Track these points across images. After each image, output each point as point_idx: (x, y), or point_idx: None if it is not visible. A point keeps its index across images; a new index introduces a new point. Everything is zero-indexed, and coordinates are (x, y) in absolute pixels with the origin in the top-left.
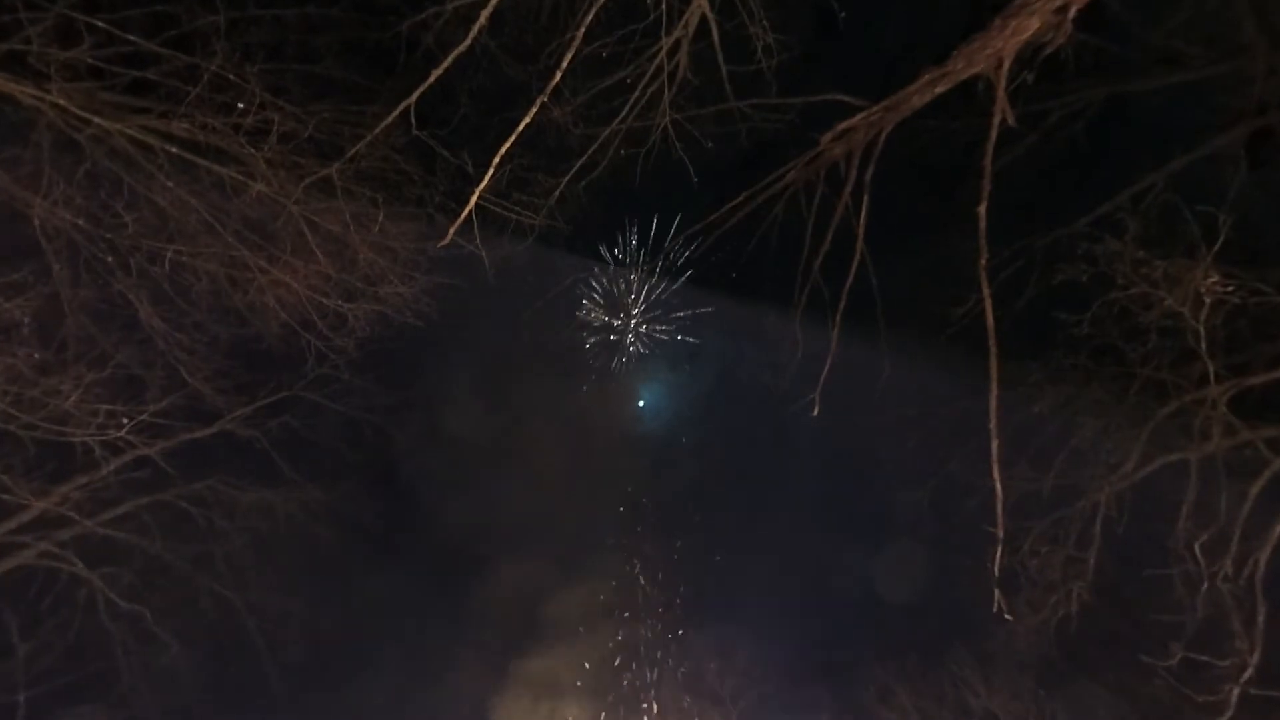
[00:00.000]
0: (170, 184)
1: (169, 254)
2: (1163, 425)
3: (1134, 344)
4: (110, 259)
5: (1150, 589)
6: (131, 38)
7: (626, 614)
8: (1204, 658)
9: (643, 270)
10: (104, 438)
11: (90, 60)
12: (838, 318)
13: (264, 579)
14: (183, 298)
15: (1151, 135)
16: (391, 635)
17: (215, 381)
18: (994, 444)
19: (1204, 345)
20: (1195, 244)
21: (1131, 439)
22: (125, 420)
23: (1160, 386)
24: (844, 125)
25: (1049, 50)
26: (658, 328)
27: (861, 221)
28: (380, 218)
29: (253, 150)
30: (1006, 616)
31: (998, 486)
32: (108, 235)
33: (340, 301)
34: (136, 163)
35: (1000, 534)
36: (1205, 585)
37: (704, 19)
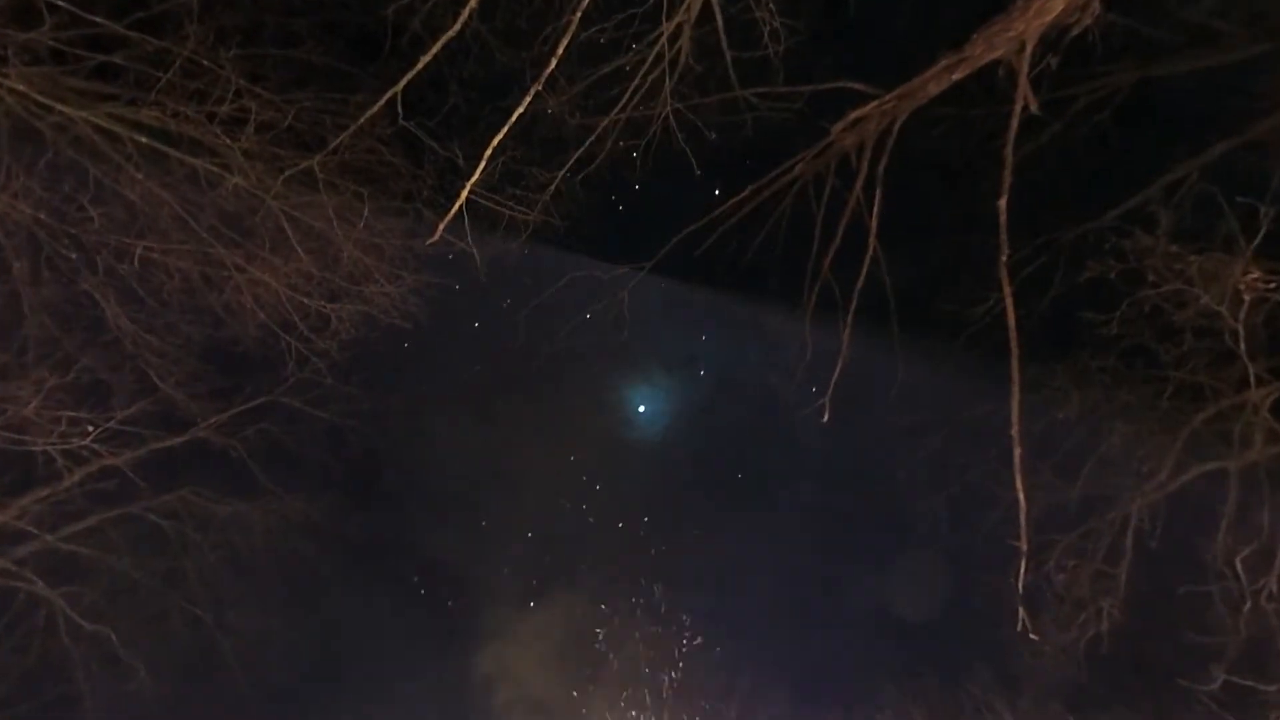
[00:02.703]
0: (139, 176)
1: (138, 250)
2: (1199, 431)
3: (1167, 345)
4: (75, 256)
5: (1187, 607)
6: (97, 19)
7: (624, 632)
8: (1248, 682)
9: (643, 268)
10: (67, 447)
11: (52, 42)
12: (849, 318)
13: (239, 597)
14: (153, 297)
15: (1186, 122)
16: (376, 657)
17: (188, 387)
18: (1016, 452)
19: (1243, 346)
20: (1233, 237)
21: (1165, 446)
22: (90, 428)
23: (1196, 390)
24: (855, 114)
25: (1075, 32)
26: (658, 329)
27: (874, 216)
28: (365, 213)
29: (228, 141)
30: (1031, 636)
31: (1021, 497)
32: (72, 230)
33: (322, 302)
34: (103, 153)
35: (1024, 547)
36: (1248, 604)
37: (707, 2)
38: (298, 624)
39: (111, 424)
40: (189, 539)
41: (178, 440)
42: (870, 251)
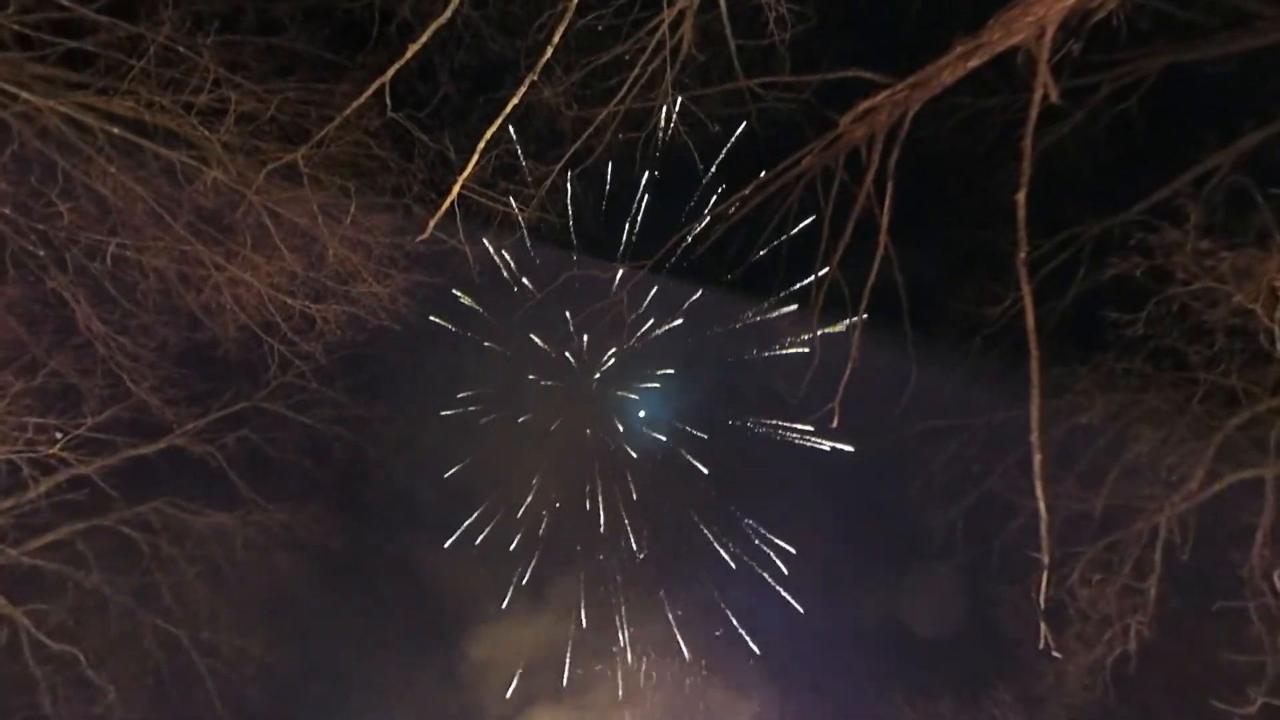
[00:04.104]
0: (112, 169)
1: (111, 248)
2: (1232, 438)
3: (1197, 346)
4: (43, 253)
5: (1222, 625)
6: (65, 2)
7: (626, 652)
8: None
9: (643, 267)
10: (33, 455)
11: (16, 27)
12: (859, 319)
13: (217, 614)
14: (127, 297)
15: (1217, 110)
16: (360, 675)
17: (164, 391)
18: (1037, 459)
19: (1279, 347)
20: (1267, 232)
21: (1196, 453)
22: (59, 435)
23: (1229, 394)
24: (866, 104)
25: (1098, 15)
26: (660, 331)
27: (885, 212)
28: (352, 209)
29: (207, 132)
30: (1054, 654)
31: (1042, 507)
32: (39, 226)
33: (307, 302)
34: (73, 145)
35: (1046, 560)
36: None
37: None
38: (278, 642)
39: (82, 431)
40: (163, 552)
41: (152, 448)
42: (881, 249)
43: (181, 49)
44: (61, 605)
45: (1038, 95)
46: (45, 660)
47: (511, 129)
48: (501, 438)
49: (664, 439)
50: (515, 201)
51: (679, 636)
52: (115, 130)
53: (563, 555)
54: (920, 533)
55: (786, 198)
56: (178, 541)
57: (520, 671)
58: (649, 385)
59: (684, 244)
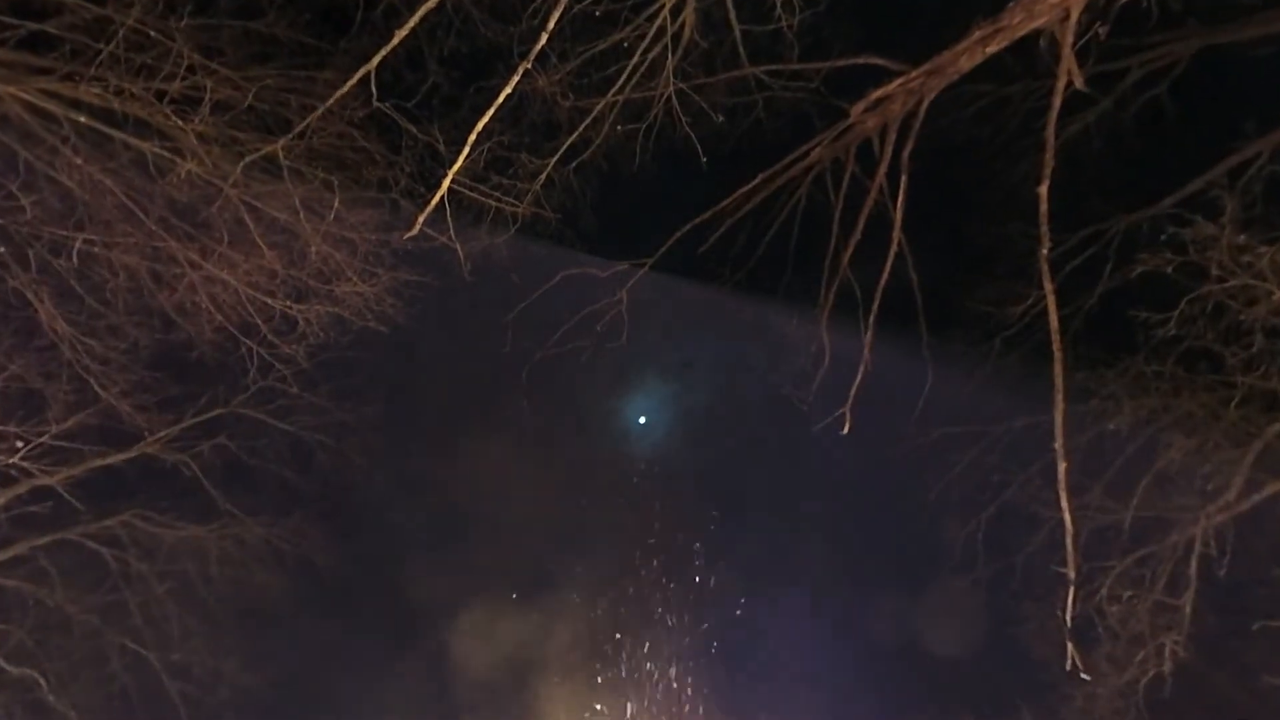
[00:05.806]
0: (79, 160)
1: (78, 244)
2: (1272, 445)
3: (1234, 347)
4: (3, 249)
5: (1262, 644)
6: None
7: (624, 670)
8: None
9: (644, 265)
10: None
11: None
12: (871, 320)
13: (190, 634)
14: (95, 297)
15: (1254, 95)
16: (343, 699)
17: (134, 397)
18: (1061, 467)
19: None
20: None
21: (1233, 461)
22: (20, 443)
23: (1268, 398)
24: (878, 93)
25: None
26: (660, 332)
27: (899, 206)
28: (335, 203)
29: (180, 122)
30: (1083, 675)
31: (1067, 518)
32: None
33: (288, 302)
34: (36, 134)
35: (1072, 575)
36: None
37: None
38: (256, 665)
39: (45, 439)
40: (133, 568)
41: (121, 457)
42: (894, 246)
43: (153, 33)
44: (22, 625)
45: (1061, 82)
46: (3, 685)
47: (503, 120)
48: (496, 443)
49: (664, 443)
50: (508, 196)
51: (683, 653)
52: (82, 119)
53: (561, 567)
54: (937, 546)
55: (794, 192)
56: (148, 556)
57: (514, 691)
58: (649, 388)
59: (686, 240)
